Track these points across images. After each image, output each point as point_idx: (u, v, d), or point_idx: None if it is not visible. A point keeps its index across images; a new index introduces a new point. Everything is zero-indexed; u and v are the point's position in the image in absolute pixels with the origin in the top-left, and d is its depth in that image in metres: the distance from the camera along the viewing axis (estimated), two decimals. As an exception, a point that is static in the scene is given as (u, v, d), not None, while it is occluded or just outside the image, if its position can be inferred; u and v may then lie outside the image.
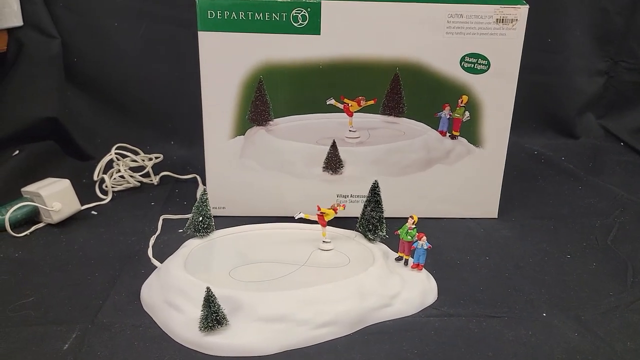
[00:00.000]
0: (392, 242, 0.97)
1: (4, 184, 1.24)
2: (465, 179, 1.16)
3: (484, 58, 1.09)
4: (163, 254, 0.97)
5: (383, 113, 1.13)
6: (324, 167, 1.15)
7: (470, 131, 1.13)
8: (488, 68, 1.09)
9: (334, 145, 1.14)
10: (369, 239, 0.95)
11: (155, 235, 1.06)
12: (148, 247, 1.01)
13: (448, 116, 1.12)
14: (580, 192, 1.35)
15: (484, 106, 1.12)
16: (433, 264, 0.97)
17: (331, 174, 1.16)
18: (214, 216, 0.98)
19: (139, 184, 1.36)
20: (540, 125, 1.74)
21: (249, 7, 1.04)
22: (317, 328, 0.78)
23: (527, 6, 1.06)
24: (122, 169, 1.34)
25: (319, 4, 1.04)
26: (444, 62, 1.09)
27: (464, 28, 1.07)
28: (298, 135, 1.13)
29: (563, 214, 1.22)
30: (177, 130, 1.57)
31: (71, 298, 0.88)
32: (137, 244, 1.06)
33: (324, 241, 0.94)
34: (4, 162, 1.32)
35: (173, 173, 1.39)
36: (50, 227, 1.13)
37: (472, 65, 1.09)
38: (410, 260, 0.93)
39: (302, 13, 1.05)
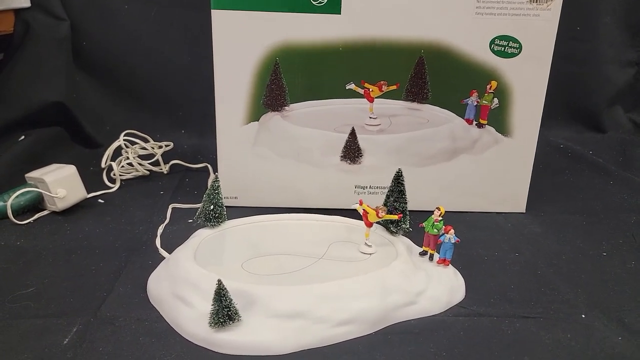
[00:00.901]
0: (416, 236, 0.91)
1: (7, 170, 1.20)
2: (492, 171, 1.09)
3: (516, 41, 1.02)
4: (172, 245, 0.91)
5: (406, 99, 1.06)
6: (342, 156, 1.09)
7: (498, 119, 1.07)
8: (519, 51, 1.02)
9: (352, 133, 1.07)
10: (391, 232, 0.89)
11: (164, 225, 1.01)
12: (156, 236, 0.96)
13: (475, 103, 1.05)
14: (611, 187, 1.28)
15: (514, 92, 1.05)
16: (458, 259, 0.90)
17: (349, 164, 1.09)
18: (226, 206, 0.92)
19: (148, 172, 1.31)
20: (566, 117, 1.66)
21: (265, -17, 0.98)
22: (336, 326, 0.72)
23: (564, -15, 0.99)
24: (130, 156, 1.28)
25: (340, -20, 0.98)
26: (473, 44, 1.02)
27: (494, 8, 1.00)
28: (315, 122, 1.07)
29: (595, 209, 1.15)
30: (188, 118, 1.52)
31: (74, 289, 0.83)
32: (144, 234, 1.01)
33: (366, 243, 0.86)
34: (9, 148, 1.27)
35: (183, 162, 1.34)
36: (54, 215, 1.08)
37: (503, 48, 1.02)
38: (436, 256, 0.86)
39: (322, -10, 0.99)
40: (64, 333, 0.74)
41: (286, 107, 1.07)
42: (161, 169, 1.32)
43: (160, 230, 0.97)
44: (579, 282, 0.87)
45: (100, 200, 1.17)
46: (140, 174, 1.30)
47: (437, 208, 0.85)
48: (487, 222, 1.08)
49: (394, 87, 1.05)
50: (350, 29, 1.01)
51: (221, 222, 0.91)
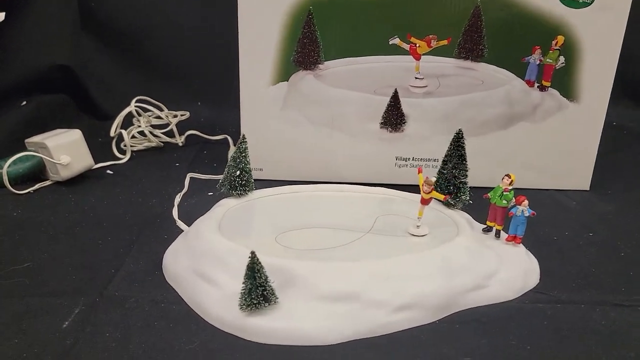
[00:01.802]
0: (476, 211, 0.77)
1: (6, 137, 1.07)
2: (554, 141, 0.96)
3: (589, -12, 0.88)
4: (190, 219, 0.78)
5: (458, 57, 0.93)
6: (382, 123, 0.96)
7: (564, 81, 0.93)
8: (592, 0, 0.88)
9: (395, 96, 0.94)
10: (448, 205, 0.76)
11: (182, 193, 0.88)
12: (173, 207, 0.83)
13: (538, 62, 0.92)
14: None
15: (584, 49, 0.91)
16: (524, 239, 0.76)
17: (390, 132, 0.96)
18: None
19: (161, 144, 1.18)
20: (616, 92, 1.51)
21: None
22: (394, 312, 0.60)
23: None
24: (143, 125, 1.16)
25: None
26: (538, -8, 0.88)
27: (565, -51, 0.86)
28: (352, 83, 0.94)
29: (667, 187, 1.01)
30: (205, 88, 1.39)
31: (77, 266, 0.72)
32: (159, 206, 0.89)
33: (417, 225, 0.72)
34: (9, 113, 1.15)
35: (200, 132, 1.21)
36: (57, 186, 0.96)
37: (573, -4, 0.88)
38: (503, 233, 0.73)
39: None
40: (64, 315, 0.62)
41: (320, 65, 0.93)
42: (176, 141, 1.19)
43: (177, 200, 0.85)
44: (673, 266, 0.73)
45: (108, 172, 1.05)
46: (153, 144, 1.17)
47: (506, 175, 0.72)
48: (547, 199, 0.95)
49: (445, 42, 0.91)
50: (397, -28, 0.88)
51: (248, 190, 0.78)
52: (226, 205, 0.76)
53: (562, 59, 0.91)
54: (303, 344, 0.57)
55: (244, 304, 0.58)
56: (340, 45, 0.92)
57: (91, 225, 0.82)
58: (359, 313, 0.59)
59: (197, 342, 0.58)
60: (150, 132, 1.16)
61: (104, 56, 1.34)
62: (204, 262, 0.65)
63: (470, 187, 0.78)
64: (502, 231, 0.73)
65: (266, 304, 0.58)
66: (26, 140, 0.98)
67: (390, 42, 0.91)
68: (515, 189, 0.75)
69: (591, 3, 0.88)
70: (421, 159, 0.98)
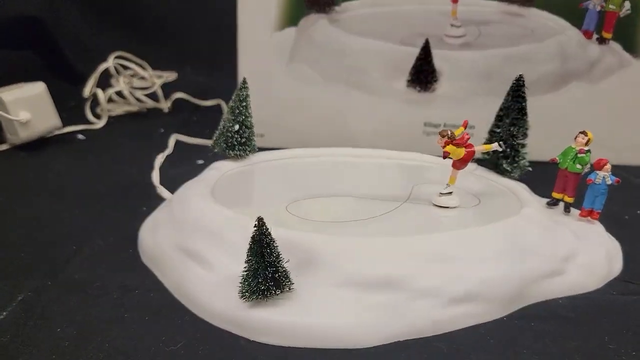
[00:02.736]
0: (535, 187, 0.62)
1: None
2: (613, 106, 0.81)
3: None
4: (175, 189, 0.62)
5: (503, 0, 0.77)
6: (409, 81, 0.80)
7: (628, 33, 0.78)
8: None
9: (426, 47, 0.78)
10: (504, 171, 0.60)
11: (165, 154, 0.72)
12: (153, 169, 0.67)
13: (599, 8, 0.77)
14: None
15: (655, -5, 0.76)
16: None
17: (419, 91, 0.81)
18: None
19: (145, 109, 1.02)
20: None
21: None
22: (450, 305, 0.44)
23: None
24: (122, 84, 0.99)
25: None
26: None
27: None
28: (375, 30, 0.79)
29: None
30: (195, 51, 1.22)
31: (29, 241, 0.56)
32: (137, 175, 0.73)
33: (441, 192, 0.56)
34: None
35: (190, 96, 1.04)
36: (15, 150, 0.81)
37: None
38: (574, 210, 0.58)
39: None
40: (3, 303, 0.45)
41: (336, 7, 0.78)
42: (161, 106, 1.03)
43: (158, 161, 0.68)
44: None
45: (79, 136, 0.89)
46: (134, 109, 1.01)
47: (581, 133, 0.57)
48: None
49: (488, -18, 0.76)
50: None
51: (249, 151, 0.62)
52: (221, 169, 0.60)
53: (627, 4, 0.76)
54: (328, 347, 0.42)
55: (246, 291, 0.42)
56: (361, -17, 0.77)
57: (53, 195, 0.68)
58: (402, 306, 0.43)
59: (182, 342, 0.42)
60: (131, 94, 1.00)
61: (80, 9, 1.17)
62: (192, 237, 0.49)
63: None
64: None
65: (277, 292, 0.42)
66: (-22, 94, 0.81)
67: (422, -19, 0.76)
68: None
69: (667, -64, 0.73)
70: (455, 125, 0.82)
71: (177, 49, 1.21)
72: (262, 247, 0.41)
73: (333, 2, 0.78)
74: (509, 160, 0.60)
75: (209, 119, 1.00)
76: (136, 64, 1.04)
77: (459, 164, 0.55)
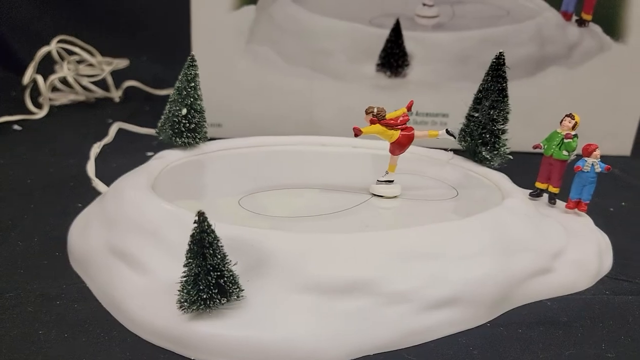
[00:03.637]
0: (514, 172, 0.56)
1: None
2: (592, 92, 0.77)
3: None
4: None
5: (479, -22, 0.72)
6: (378, 65, 0.75)
7: (609, 15, 0.74)
8: None
9: (396, 29, 0.73)
10: (483, 159, 0.55)
11: (102, 143, 0.64)
12: (88, 159, 0.58)
13: (579, -12, 0.72)
14: None
15: (636, -26, 0.72)
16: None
17: (389, 76, 0.75)
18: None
19: (93, 98, 0.93)
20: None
21: None
22: (428, 310, 0.38)
23: None
24: (66, 70, 0.90)
25: None
26: None
27: None
28: (342, 9, 0.73)
29: None
30: (152, 39, 1.13)
31: None
32: (76, 168, 0.65)
33: (379, 180, 0.49)
34: None
35: (143, 85, 0.96)
36: None
37: None
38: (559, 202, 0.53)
39: None
40: None
41: (300, -16, 0.71)
42: (111, 95, 0.94)
43: (95, 150, 0.60)
44: None
45: (15, 127, 0.80)
46: (81, 98, 0.92)
47: (567, 116, 0.51)
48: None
49: (462, -42, 0.70)
50: None
51: (199, 138, 0.55)
52: (166, 158, 0.52)
53: (608, -16, 0.72)
54: (284, 365, 0.35)
55: (186, 301, 0.35)
56: (326, -43, 0.70)
57: (-28, 190, 0.58)
58: (371, 314, 0.37)
59: (108, 364, 0.35)
60: (77, 82, 0.91)
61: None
62: (125, 235, 0.41)
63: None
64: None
65: (223, 300, 0.35)
66: None
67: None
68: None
69: None
70: (428, 113, 0.77)
71: (134, 35, 1.12)
72: (203, 247, 0.34)
73: (295, -22, 0.72)
74: (488, 148, 0.54)
75: (163, 108, 0.92)
76: (83, 49, 0.95)
77: (395, 149, 0.48)
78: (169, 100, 0.54)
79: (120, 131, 0.75)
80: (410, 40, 0.73)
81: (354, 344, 0.36)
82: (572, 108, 0.76)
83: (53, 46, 0.90)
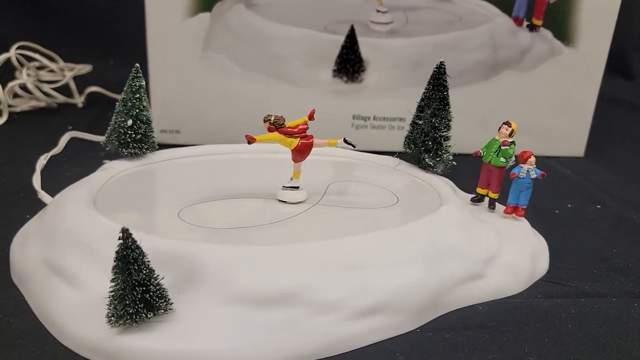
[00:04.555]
0: (456, 179, 0.58)
1: None
2: (545, 95, 0.78)
3: None
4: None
5: (431, -16, 0.73)
6: (335, 70, 0.75)
7: (559, 20, 0.75)
8: None
9: (352, 35, 0.73)
10: (426, 166, 0.56)
11: (50, 154, 0.64)
12: (34, 172, 0.58)
13: (528, -6, 0.74)
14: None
15: (584, -20, 0.73)
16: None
17: (346, 82, 0.76)
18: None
19: (55, 104, 0.93)
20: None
21: None
22: (356, 318, 0.39)
23: None
24: (26, 77, 0.90)
25: None
26: None
27: None
28: (297, 16, 0.74)
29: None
30: (120, 42, 1.12)
31: None
32: (27, 178, 0.64)
33: (284, 186, 0.51)
34: None
35: (106, 90, 0.96)
36: None
37: None
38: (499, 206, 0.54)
39: None
40: None
41: (254, -9, 0.72)
42: (74, 101, 0.94)
43: (41, 162, 0.60)
44: None
45: (-27, 135, 0.79)
46: (42, 104, 0.92)
47: (505, 124, 0.53)
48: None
49: (414, -35, 0.71)
50: None
51: (146, 148, 0.55)
52: (112, 169, 0.53)
53: (557, -10, 0.73)
54: (213, 375, 0.36)
55: (113, 316, 0.35)
56: (279, -36, 0.71)
57: None
58: (301, 323, 0.38)
59: (38, 379, 0.35)
60: (38, 88, 0.90)
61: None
62: (62, 250, 0.42)
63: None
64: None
65: (149, 315, 0.36)
66: None
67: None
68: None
69: None
70: (385, 118, 0.78)
71: (99, 40, 1.12)
72: (127, 263, 0.34)
73: (249, -15, 0.72)
74: (431, 155, 0.55)
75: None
76: (44, 55, 0.94)
77: (296, 156, 0.50)
78: (115, 111, 0.54)
79: (77, 138, 0.75)
80: (366, 46, 0.74)
81: (281, 354, 0.37)
82: (526, 111, 0.79)
83: (12, 53, 0.89)
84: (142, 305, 0.35)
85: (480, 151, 0.54)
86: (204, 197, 0.50)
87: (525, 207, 0.52)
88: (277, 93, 0.76)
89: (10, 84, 0.88)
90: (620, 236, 0.58)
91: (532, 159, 0.51)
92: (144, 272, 0.35)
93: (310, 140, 0.49)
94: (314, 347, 0.38)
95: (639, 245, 0.56)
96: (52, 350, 0.38)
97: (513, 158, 0.53)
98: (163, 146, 0.67)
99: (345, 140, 0.50)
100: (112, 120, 0.54)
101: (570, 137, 0.81)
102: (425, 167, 0.56)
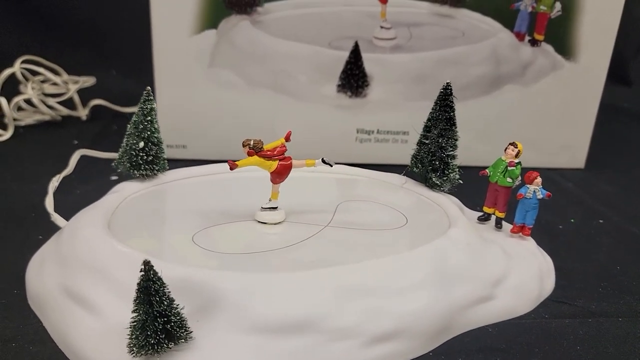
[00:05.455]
0: (463, 195, 0.59)
1: None
2: (546, 109, 0.79)
3: None
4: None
5: (433, 1, 0.74)
6: (339, 86, 0.76)
7: (560, 34, 0.76)
8: None
9: (356, 50, 0.74)
10: (433, 185, 0.57)
11: (62, 175, 0.64)
12: (46, 194, 0.59)
13: (530, 9, 0.75)
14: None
15: (585, -4, 0.74)
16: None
17: (350, 97, 0.77)
18: (170, 160, 0.58)
19: (59, 117, 0.93)
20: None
21: None
22: (370, 345, 0.40)
23: None
24: (31, 91, 0.90)
25: None
26: None
27: None
28: (301, 32, 0.74)
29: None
30: (122, 54, 1.13)
31: None
32: (38, 196, 0.64)
33: (263, 207, 0.51)
34: None
35: (110, 103, 0.96)
36: None
37: None
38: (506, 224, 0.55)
39: None
40: None
41: (258, 8, 0.72)
42: (78, 114, 0.94)
43: (54, 184, 0.61)
44: None
45: (-21, 151, 0.79)
46: (46, 118, 0.92)
47: (511, 144, 0.54)
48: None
49: (418, -18, 0.72)
50: None
51: (157, 170, 0.56)
52: (124, 191, 0.53)
53: (558, 5, 0.75)
54: (232, 402, 0.37)
55: (135, 346, 0.36)
56: (284, -18, 0.72)
57: None
58: (319, 350, 0.38)
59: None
60: (43, 102, 0.91)
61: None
62: (79, 276, 0.42)
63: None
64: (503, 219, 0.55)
65: (171, 345, 0.36)
66: None
67: (349, -20, 0.71)
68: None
69: None
70: (389, 131, 0.79)
71: (102, 51, 1.12)
72: (149, 295, 0.35)
73: (255, 3, 0.72)
74: (438, 174, 0.56)
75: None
76: (48, 68, 0.95)
77: (275, 178, 0.51)
78: (126, 133, 0.55)
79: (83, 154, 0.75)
80: (369, 62, 0.75)
81: (299, 380, 0.38)
82: (528, 124, 0.80)
83: (17, 67, 0.90)
84: (163, 336, 0.36)
85: (487, 171, 0.55)
86: (217, 218, 0.50)
87: (531, 226, 0.53)
88: (282, 108, 0.76)
89: (15, 99, 0.88)
90: (623, 252, 0.59)
91: (539, 179, 0.52)
92: (165, 303, 0.36)
93: (289, 162, 0.50)
94: (330, 372, 0.39)
95: (642, 261, 0.58)
96: (73, 379, 0.38)
97: (519, 178, 0.54)
98: (169, 161, 0.68)
99: (323, 160, 0.51)
100: (123, 143, 0.55)
101: (571, 148, 0.82)
102: (432, 186, 0.57)
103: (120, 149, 0.55)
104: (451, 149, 0.56)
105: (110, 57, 1.11)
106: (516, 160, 0.53)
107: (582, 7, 0.75)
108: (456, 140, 0.56)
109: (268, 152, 0.49)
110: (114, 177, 0.71)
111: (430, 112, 0.57)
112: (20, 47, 1.02)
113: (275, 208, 0.51)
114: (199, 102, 0.75)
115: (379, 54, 0.75)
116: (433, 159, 0.56)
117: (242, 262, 0.44)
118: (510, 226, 0.55)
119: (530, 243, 0.54)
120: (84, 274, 0.42)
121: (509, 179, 0.53)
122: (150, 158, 0.55)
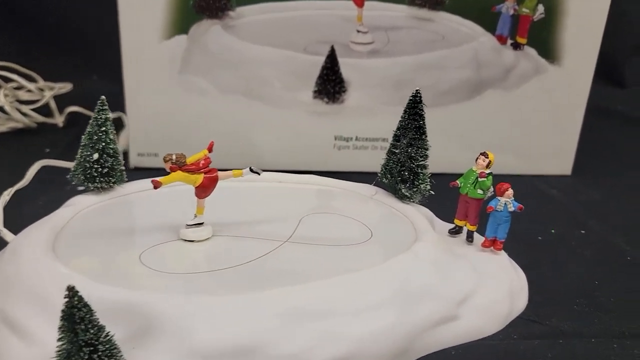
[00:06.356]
0: (437, 205, 0.56)
1: None
2: (530, 114, 0.77)
3: None
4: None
5: (412, 3, 0.72)
6: (315, 92, 0.74)
7: (543, 38, 0.73)
8: None
9: (332, 55, 0.72)
10: (403, 196, 0.54)
11: (15, 189, 0.62)
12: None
13: (512, 12, 0.72)
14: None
15: (568, -2, 0.72)
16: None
17: (326, 103, 0.74)
18: (139, 168, 0.55)
19: (34, 124, 0.91)
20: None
21: None
22: (321, 371, 0.37)
23: None
24: (3, 98, 0.88)
25: None
26: None
27: None
28: (275, 37, 0.72)
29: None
30: (102, 58, 1.11)
31: None
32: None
33: (188, 224, 0.48)
34: None
35: (86, 109, 0.94)
36: None
37: None
38: (477, 235, 0.52)
39: None
40: None
41: (230, 12, 0.70)
42: (54, 121, 0.92)
43: (5, 198, 0.58)
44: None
45: (-52, 160, 0.77)
46: (20, 125, 0.90)
47: (482, 154, 0.51)
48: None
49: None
50: None
51: (114, 182, 0.54)
52: (78, 205, 0.51)
53: (540, 8, 0.72)
54: None
55: (62, 376, 0.34)
56: (256, -16, 0.69)
57: None
58: (263, 377, 0.36)
59: None
60: (16, 109, 0.89)
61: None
62: (16, 300, 0.40)
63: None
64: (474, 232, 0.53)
65: (99, 375, 0.34)
66: None
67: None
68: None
69: None
70: (367, 138, 0.76)
71: (82, 57, 1.10)
72: (74, 323, 0.33)
73: (227, 7, 0.70)
74: (407, 185, 0.53)
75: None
76: (23, 75, 0.93)
77: (200, 192, 0.48)
78: (81, 144, 0.53)
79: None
80: (346, 67, 0.73)
81: (241, 412, 0.35)
82: (511, 129, 0.78)
83: (-12, 74, 0.88)
84: (90, 367, 0.33)
85: (458, 182, 0.52)
86: (170, 235, 0.48)
87: (503, 240, 0.51)
88: (256, 115, 0.74)
89: (-11, 106, 0.86)
90: (603, 265, 0.57)
91: (510, 191, 0.49)
92: (91, 331, 0.33)
93: (215, 174, 0.48)
94: (276, 402, 0.36)
95: (622, 275, 0.55)
96: (1, 410, 0.36)
97: (491, 189, 0.51)
98: (141, 170, 0.66)
99: (251, 169, 0.49)
100: (77, 154, 0.53)
101: (556, 155, 0.79)
102: (402, 198, 0.54)
103: (75, 161, 0.53)
104: (421, 159, 0.53)
105: (90, 63, 1.09)
106: (487, 171, 0.50)
107: (566, 10, 0.72)
108: (427, 149, 0.53)
109: (192, 166, 0.47)
110: (81, 187, 0.69)
111: (400, 121, 0.54)
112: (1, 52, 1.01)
113: (202, 224, 0.48)
114: (170, 110, 0.73)
115: (356, 58, 0.73)
116: (402, 170, 0.53)
117: (187, 282, 0.41)
118: (482, 239, 0.52)
119: (502, 257, 0.51)
120: (20, 297, 0.40)
121: (479, 191, 0.51)
122: (105, 170, 0.52)
